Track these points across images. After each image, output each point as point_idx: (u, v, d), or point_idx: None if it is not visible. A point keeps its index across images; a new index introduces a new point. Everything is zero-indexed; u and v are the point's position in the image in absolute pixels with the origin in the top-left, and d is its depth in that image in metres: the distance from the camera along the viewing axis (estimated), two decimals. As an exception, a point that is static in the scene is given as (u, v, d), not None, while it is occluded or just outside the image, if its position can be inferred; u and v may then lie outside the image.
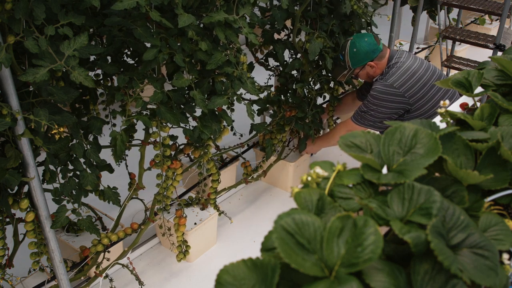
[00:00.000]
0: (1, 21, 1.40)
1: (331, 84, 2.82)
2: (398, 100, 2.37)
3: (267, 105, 2.64)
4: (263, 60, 2.73)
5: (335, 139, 2.75)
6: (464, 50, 4.56)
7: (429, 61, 2.62)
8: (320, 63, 2.64)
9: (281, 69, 2.66)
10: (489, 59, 1.22)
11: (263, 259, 0.61)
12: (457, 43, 3.96)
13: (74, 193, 1.82)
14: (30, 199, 1.72)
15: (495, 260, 0.65)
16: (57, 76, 1.70)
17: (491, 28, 4.93)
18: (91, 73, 1.85)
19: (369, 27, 2.67)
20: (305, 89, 2.63)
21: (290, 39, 2.51)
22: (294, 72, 2.66)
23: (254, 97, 2.72)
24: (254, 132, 2.61)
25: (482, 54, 4.49)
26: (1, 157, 1.57)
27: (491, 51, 3.21)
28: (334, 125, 3.15)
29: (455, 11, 4.17)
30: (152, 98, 1.78)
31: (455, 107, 1.27)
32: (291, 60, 2.61)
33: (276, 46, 2.48)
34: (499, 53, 3.13)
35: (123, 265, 2.21)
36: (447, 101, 1.01)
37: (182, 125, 1.92)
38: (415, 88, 2.36)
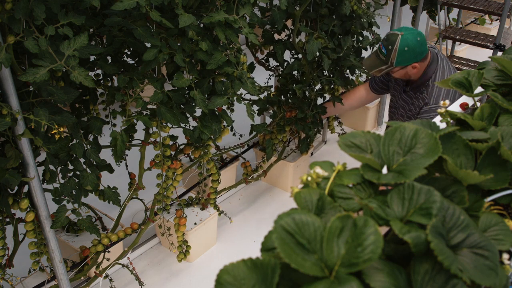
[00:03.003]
0: (1, 21, 1.40)
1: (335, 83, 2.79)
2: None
3: (267, 106, 2.63)
4: (263, 60, 2.73)
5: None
6: (464, 50, 4.56)
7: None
8: (322, 64, 2.63)
9: (281, 69, 2.66)
10: (489, 59, 1.22)
11: (263, 259, 0.61)
12: (457, 43, 3.96)
13: (74, 193, 1.82)
14: (30, 199, 1.72)
15: (495, 260, 0.65)
16: (57, 76, 1.70)
17: (491, 28, 4.93)
18: (91, 73, 1.85)
19: (371, 28, 2.67)
20: (306, 91, 2.63)
21: (291, 40, 2.51)
22: (294, 72, 2.66)
23: (254, 97, 2.72)
24: (254, 133, 2.61)
25: (482, 54, 4.49)
26: (1, 157, 1.57)
27: (491, 51, 3.21)
28: (334, 126, 3.15)
29: (455, 11, 4.17)
30: (152, 98, 1.78)
31: (455, 107, 1.27)
32: (292, 60, 2.61)
33: (276, 46, 2.47)
34: (499, 53, 3.13)
35: (123, 265, 2.21)
36: (447, 101, 1.01)
37: (182, 125, 1.92)
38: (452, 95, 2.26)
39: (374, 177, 0.75)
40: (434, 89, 2.24)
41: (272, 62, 2.86)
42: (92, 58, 1.82)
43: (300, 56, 2.57)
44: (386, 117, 3.46)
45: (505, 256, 0.68)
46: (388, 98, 3.11)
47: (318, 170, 0.76)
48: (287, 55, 2.61)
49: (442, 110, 0.98)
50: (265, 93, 2.71)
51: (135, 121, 1.90)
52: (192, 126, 1.99)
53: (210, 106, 1.88)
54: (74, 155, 1.79)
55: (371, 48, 2.74)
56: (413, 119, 2.35)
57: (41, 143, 1.61)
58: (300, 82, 2.60)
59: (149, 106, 1.87)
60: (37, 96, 1.62)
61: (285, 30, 2.51)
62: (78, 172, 1.82)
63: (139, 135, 2.02)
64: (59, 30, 1.46)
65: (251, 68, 2.26)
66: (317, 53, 2.41)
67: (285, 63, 2.57)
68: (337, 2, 2.44)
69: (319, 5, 2.43)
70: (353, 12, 2.49)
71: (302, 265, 0.59)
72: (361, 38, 2.68)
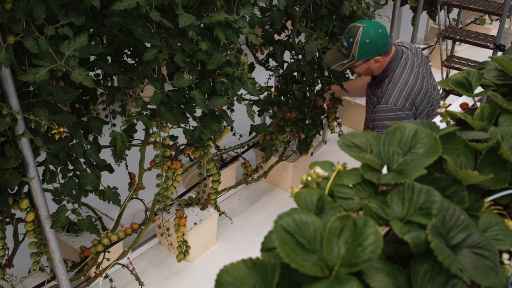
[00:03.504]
0: (1, 21, 1.40)
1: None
2: (403, 116, 2.16)
3: (267, 106, 2.63)
4: (263, 61, 2.73)
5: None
6: (464, 50, 4.56)
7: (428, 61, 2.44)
8: (321, 64, 2.63)
9: (281, 70, 2.66)
10: (489, 59, 1.22)
11: (263, 259, 0.61)
12: (457, 43, 3.96)
13: (74, 193, 1.82)
14: (30, 199, 1.72)
15: (495, 260, 0.65)
16: (57, 76, 1.71)
17: (491, 28, 4.93)
18: (91, 73, 1.85)
19: None
20: (306, 91, 2.63)
21: (290, 40, 2.51)
22: (294, 73, 2.66)
23: (254, 98, 2.72)
24: (254, 133, 2.61)
25: (482, 54, 4.49)
26: (1, 157, 1.57)
27: (491, 51, 3.21)
28: (334, 126, 3.15)
29: (455, 11, 4.17)
30: (152, 98, 1.78)
31: (455, 107, 1.27)
32: (292, 61, 2.61)
33: (276, 47, 2.47)
34: (499, 53, 3.13)
35: (123, 265, 2.21)
36: (446, 101, 1.01)
37: (182, 125, 1.92)
38: (418, 101, 2.18)
39: (374, 177, 0.75)
40: (388, 87, 2.15)
41: (272, 63, 2.86)
42: (92, 58, 1.82)
43: (299, 56, 2.57)
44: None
45: (505, 256, 0.68)
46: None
47: (318, 170, 0.76)
48: (287, 56, 2.61)
49: (442, 110, 0.98)
50: (265, 94, 2.71)
51: (135, 121, 1.90)
52: (192, 126, 1.99)
53: (210, 106, 1.88)
54: (74, 155, 1.79)
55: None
56: (369, 118, 2.25)
57: (41, 143, 1.61)
58: (300, 83, 2.60)
59: (149, 106, 1.87)
60: (37, 96, 1.62)
61: (285, 30, 2.51)
62: (78, 172, 1.82)
63: (139, 135, 2.02)
64: (59, 30, 1.46)
65: (251, 68, 2.26)
66: (317, 54, 2.40)
67: (285, 64, 2.58)
68: (337, 2, 2.44)
69: (318, 6, 2.43)
70: (353, 13, 2.49)
71: (302, 265, 0.59)
72: None
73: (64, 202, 1.81)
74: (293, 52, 2.58)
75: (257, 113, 2.02)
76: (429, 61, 2.55)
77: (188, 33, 1.75)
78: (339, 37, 2.52)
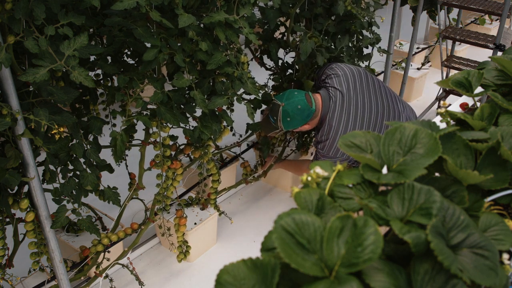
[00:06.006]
0: (1, 21, 1.39)
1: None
2: (344, 158, 2.28)
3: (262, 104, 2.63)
4: (262, 60, 2.73)
5: (300, 171, 2.69)
6: (464, 50, 4.56)
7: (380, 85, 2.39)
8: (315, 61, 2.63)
9: (275, 68, 2.67)
10: (489, 59, 1.22)
11: (263, 259, 0.61)
12: (457, 43, 3.96)
13: (74, 193, 1.82)
14: (30, 199, 1.72)
15: (495, 260, 0.65)
16: (57, 76, 1.70)
17: (491, 28, 4.93)
18: (91, 73, 1.85)
19: (371, 27, 2.67)
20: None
21: (285, 38, 2.52)
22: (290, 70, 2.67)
23: (252, 97, 2.72)
24: (250, 132, 2.62)
25: (482, 54, 4.49)
26: (1, 157, 1.57)
27: (491, 51, 3.21)
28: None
29: (455, 11, 4.17)
30: (152, 98, 1.78)
31: (455, 107, 1.27)
32: (286, 59, 2.61)
33: (270, 45, 2.48)
34: (499, 53, 3.13)
35: (123, 265, 2.21)
36: (446, 101, 1.01)
37: (182, 125, 1.92)
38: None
39: (374, 177, 0.75)
40: (322, 138, 2.28)
41: (270, 62, 2.86)
42: (92, 58, 1.82)
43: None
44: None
45: (505, 256, 0.68)
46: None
47: (318, 170, 0.76)
48: (281, 53, 2.61)
49: (442, 110, 0.98)
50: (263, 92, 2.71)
51: (135, 121, 1.90)
52: (192, 126, 1.99)
53: (210, 106, 1.88)
54: (74, 155, 1.79)
55: (372, 47, 2.74)
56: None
57: (41, 143, 1.61)
58: (295, 81, 2.60)
59: (149, 106, 1.87)
60: (37, 96, 1.62)
61: (279, 28, 2.51)
62: (78, 172, 1.82)
63: (139, 135, 2.02)
64: (59, 30, 1.46)
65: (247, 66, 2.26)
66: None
67: (280, 61, 2.59)
68: (332, 1, 2.44)
69: (313, 5, 2.43)
70: (348, 12, 2.49)
71: (302, 265, 0.59)
72: (361, 37, 2.68)
73: (64, 202, 1.81)
74: (287, 50, 2.58)
75: (251, 111, 2.03)
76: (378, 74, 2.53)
77: (188, 33, 1.74)
78: (339, 37, 2.52)
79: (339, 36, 2.56)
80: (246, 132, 2.57)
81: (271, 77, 2.88)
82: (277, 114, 2.22)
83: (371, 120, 2.28)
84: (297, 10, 2.43)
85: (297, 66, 2.62)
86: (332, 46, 2.54)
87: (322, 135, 2.27)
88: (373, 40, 2.69)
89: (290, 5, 2.34)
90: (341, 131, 2.24)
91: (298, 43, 2.48)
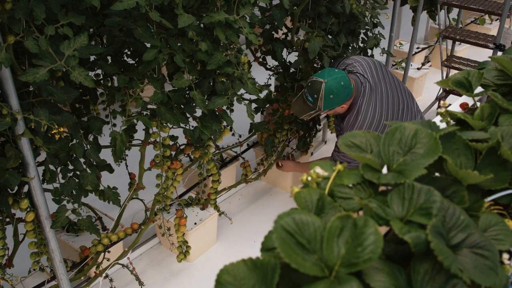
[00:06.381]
0: (1, 21, 1.39)
1: None
2: None
3: (266, 104, 2.64)
4: (262, 60, 2.73)
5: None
6: (464, 50, 4.56)
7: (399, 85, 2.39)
8: (320, 62, 2.64)
9: (280, 70, 2.66)
10: (489, 59, 1.22)
11: (263, 259, 0.61)
12: (457, 43, 3.96)
13: (74, 193, 1.82)
14: (30, 199, 1.72)
15: (495, 260, 0.65)
16: (57, 76, 1.70)
17: (491, 28, 4.93)
18: (91, 73, 1.85)
19: (375, 28, 2.68)
20: None
21: (289, 38, 2.52)
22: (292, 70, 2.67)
23: (254, 97, 2.72)
24: (253, 131, 2.62)
25: (482, 54, 4.49)
26: (1, 157, 1.57)
27: (491, 51, 3.21)
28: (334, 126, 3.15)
29: (455, 11, 4.17)
30: (152, 98, 1.78)
31: (455, 107, 1.27)
32: (289, 58, 2.61)
33: (276, 45, 2.48)
34: (499, 53, 3.13)
35: (123, 265, 2.21)
36: (446, 101, 1.01)
37: (182, 125, 1.92)
38: (380, 127, 2.27)
39: (374, 177, 0.75)
40: (350, 122, 2.28)
41: (272, 62, 2.86)
42: (92, 58, 1.82)
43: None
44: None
45: (505, 256, 0.68)
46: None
47: (318, 170, 0.76)
48: (286, 55, 2.61)
49: (442, 110, 0.98)
50: (265, 92, 2.71)
51: (135, 121, 1.90)
52: (192, 126, 1.99)
53: (210, 106, 1.88)
54: (74, 155, 1.79)
55: (376, 49, 2.75)
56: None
57: (41, 143, 1.61)
58: (299, 80, 2.61)
59: (149, 106, 1.87)
60: (37, 96, 1.62)
61: (283, 28, 2.52)
62: (78, 172, 1.82)
63: (139, 135, 2.02)
64: (59, 30, 1.46)
65: (249, 67, 2.26)
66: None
67: (284, 62, 2.58)
68: (335, 0, 2.44)
69: (316, 4, 2.43)
70: (352, 12, 2.49)
71: (302, 265, 0.59)
72: (366, 38, 2.69)
73: (64, 202, 1.81)
74: (290, 50, 2.59)
75: (254, 111, 2.03)
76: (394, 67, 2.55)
77: (188, 33, 1.74)
78: (344, 37, 2.52)
79: (346, 36, 2.56)
80: (250, 132, 2.57)
81: (271, 77, 2.89)
82: (319, 92, 2.17)
83: (394, 112, 2.29)
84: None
85: (300, 66, 2.62)
86: (336, 46, 2.55)
87: (350, 118, 2.26)
88: (376, 41, 2.70)
89: (294, 7, 2.34)
90: (369, 118, 2.24)
91: (302, 43, 2.49)
